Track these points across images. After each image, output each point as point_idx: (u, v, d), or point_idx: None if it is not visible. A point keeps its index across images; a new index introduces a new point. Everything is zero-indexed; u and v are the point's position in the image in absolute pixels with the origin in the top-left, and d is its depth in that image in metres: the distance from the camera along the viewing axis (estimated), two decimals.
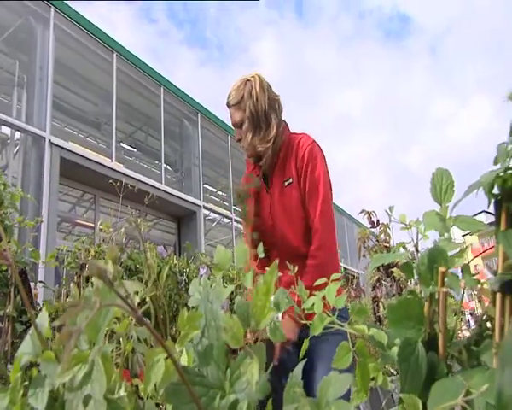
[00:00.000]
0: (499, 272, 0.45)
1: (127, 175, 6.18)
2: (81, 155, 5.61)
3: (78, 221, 7.25)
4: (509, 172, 0.43)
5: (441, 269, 0.51)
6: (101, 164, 5.86)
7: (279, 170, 1.39)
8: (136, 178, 6.31)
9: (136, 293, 0.46)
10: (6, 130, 5.18)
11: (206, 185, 9.22)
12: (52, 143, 5.09)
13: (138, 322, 0.26)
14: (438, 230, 0.50)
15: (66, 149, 5.33)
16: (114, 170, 6.01)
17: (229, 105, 1.42)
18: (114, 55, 6.49)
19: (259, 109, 1.38)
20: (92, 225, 6.59)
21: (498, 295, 0.45)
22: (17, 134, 5.14)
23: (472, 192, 0.47)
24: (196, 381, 0.31)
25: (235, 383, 0.32)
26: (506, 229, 0.43)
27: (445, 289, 0.50)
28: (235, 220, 8.72)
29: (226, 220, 8.96)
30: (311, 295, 0.64)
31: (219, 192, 10.03)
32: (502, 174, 0.43)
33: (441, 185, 0.58)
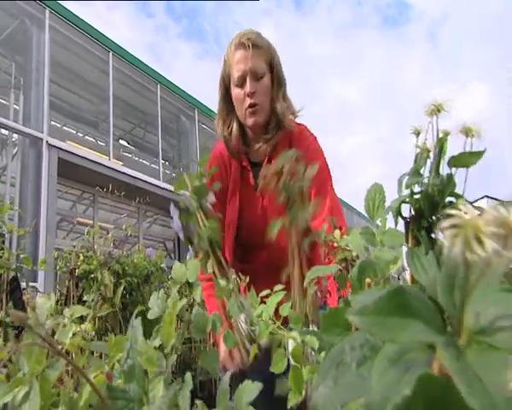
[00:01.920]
0: (409, 283, 0.51)
1: (125, 173, 6.25)
2: (79, 155, 5.67)
3: (79, 219, 7.34)
4: (415, 196, 0.49)
5: (367, 281, 0.57)
6: (99, 163, 5.92)
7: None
8: (133, 176, 6.38)
9: (83, 317, 0.52)
10: (5, 131, 5.25)
11: None
12: (49, 145, 5.15)
13: (58, 355, 0.32)
14: (359, 250, 0.55)
15: (63, 149, 5.40)
16: (112, 168, 6.08)
17: (245, 45, 1.10)
18: (110, 54, 6.52)
19: (282, 70, 1.16)
20: (92, 222, 6.69)
21: None
22: (15, 135, 5.21)
23: (388, 213, 0.53)
24: (119, 396, 0.37)
25: (150, 398, 0.38)
26: (411, 248, 0.49)
27: None
28: None
29: None
30: None
31: None
32: (407, 200, 0.48)
33: (374, 201, 0.63)
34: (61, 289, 1.83)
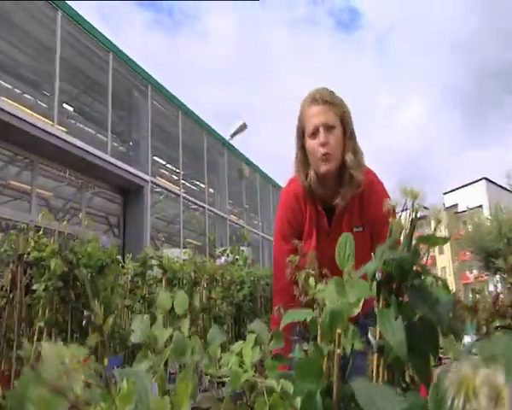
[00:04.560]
0: (377, 338, 0.59)
1: (69, 142, 5.88)
2: (17, 116, 5.21)
3: (12, 182, 6.76)
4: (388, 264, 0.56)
5: (338, 331, 0.62)
6: (40, 128, 5.50)
7: (349, 213, 1.28)
8: (80, 147, 6.03)
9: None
10: None
11: (155, 158, 9.00)
12: None
13: None
14: (335, 304, 0.61)
15: None
16: (55, 136, 5.69)
17: (317, 100, 1.24)
18: (59, 13, 6.01)
19: (352, 126, 1.28)
20: (28, 187, 6.20)
21: (375, 356, 0.58)
22: None
23: (364, 272, 0.60)
24: None
25: None
26: (382, 308, 0.57)
27: (338, 351, 0.60)
28: (184, 197, 8.74)
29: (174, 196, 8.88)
30: None
31: (168, 165, 9.84)
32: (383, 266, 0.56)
33: (344, 253, 0.70)
34: (2, 273, 1.72)
